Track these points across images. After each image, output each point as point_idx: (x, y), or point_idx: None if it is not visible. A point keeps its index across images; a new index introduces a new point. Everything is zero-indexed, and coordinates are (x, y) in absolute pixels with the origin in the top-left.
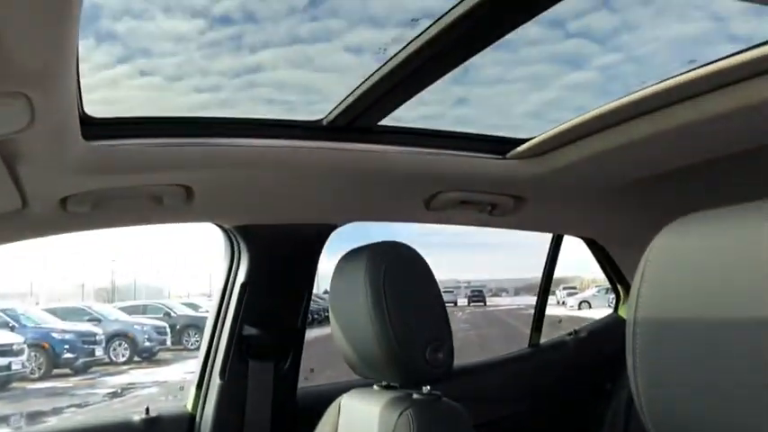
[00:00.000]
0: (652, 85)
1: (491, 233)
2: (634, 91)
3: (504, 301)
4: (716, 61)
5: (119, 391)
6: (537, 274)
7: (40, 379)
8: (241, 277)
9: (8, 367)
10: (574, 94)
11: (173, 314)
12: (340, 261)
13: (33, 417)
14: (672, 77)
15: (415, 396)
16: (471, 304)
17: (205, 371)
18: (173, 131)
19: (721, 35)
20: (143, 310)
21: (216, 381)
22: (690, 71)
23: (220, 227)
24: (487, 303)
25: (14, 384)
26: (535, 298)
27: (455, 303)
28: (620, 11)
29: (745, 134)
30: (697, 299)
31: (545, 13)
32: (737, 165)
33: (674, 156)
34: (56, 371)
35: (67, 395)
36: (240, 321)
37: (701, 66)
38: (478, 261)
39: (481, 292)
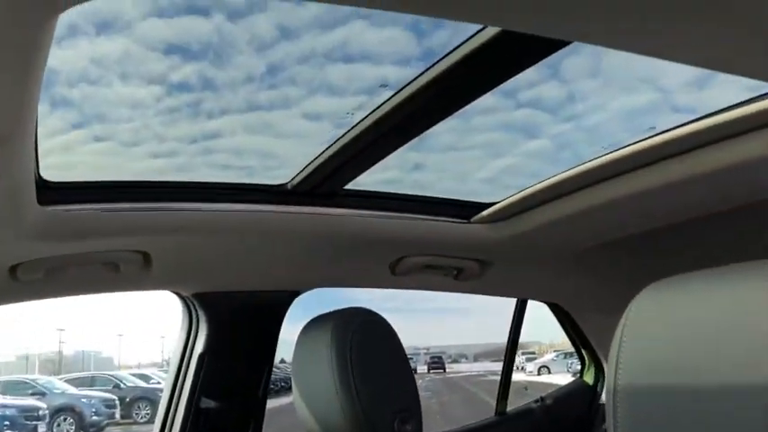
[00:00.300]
0: (610, 153)
1: (450, 298)
2: (593, 158)
3: (464, 368)
4: (671, 130)
5: None
6: (495, 339)
7: None
8: (199, 347)
9: None
10: (529, 161)
11: (122, 386)
12: (304, 328)
13: None
14: (628, 145)
15: None
16: (431, 371)
17: None
18: (130, 196)
19: (667, 106)
20: (91, 382)
21: None
22: (646, 139)
23: (178, 294)
24: (447, 370)
25: None
26: (494, 364)
27: (415, 370)
28: (570, 81)
29: (702, 200)
30: (682, 367)
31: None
32: (699, 230)
33: (635, 221)
34: None
35: None
36: (198, 393)
37: (657, 134)
38: (438, 327)
39: (441, 358)
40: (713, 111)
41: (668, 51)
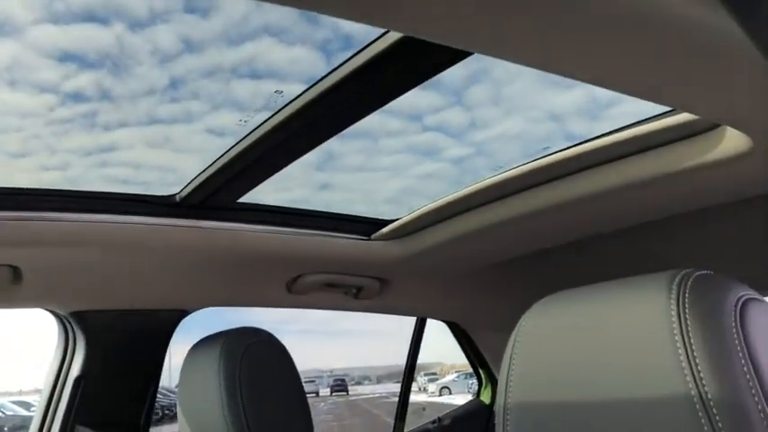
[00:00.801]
0: (505, 172)
1: (353, 320)
2: (488, 177)
3: (367, 389)
4: (562, 150)
5: None
6: (399, 361)
7: None
8: (75, 370)
9: None
10: (430, 182)
11: (1, 414)
12: (191, 350)
13: None
14: (522, 165)
15: None
16: (334, 394)
17: None
18: None
19: (562, 133)
20: None
21: None
22: (538, 159)
23: (53, 313)
24: (350, 392)
25: None
26: (397, 385)
27: (317, 394)
28: (473, 108)
29: (593, 219)
30: (568, 381)
31: (404, 107)
32: (592, 246)
33: (530, 239)
34: None
35: None
36: (72, 421)
37: (549, 154)
38: (341, 349)
39: (344, 381)
40: (603, 132)
41: (555, 65)
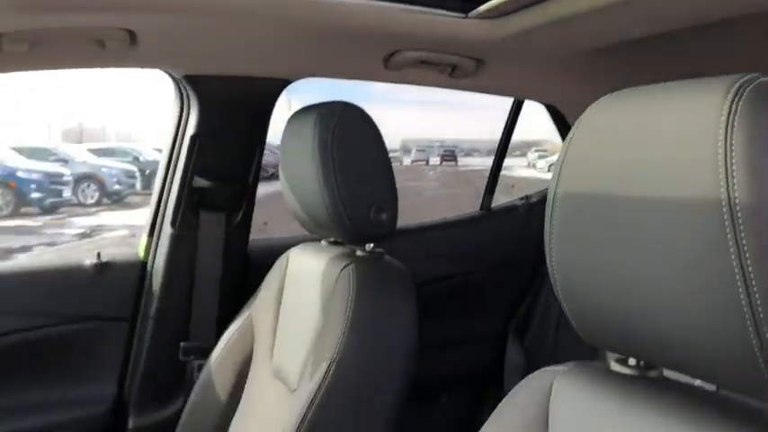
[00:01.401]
0: None
1: (467, 94)
2: None
3: (476, 161)
4: None
5: (88, 231)
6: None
7: (8, 217)
8: (191, 129)
9: None
10: None
11: (141, 159)
12: (290, 119)
13: (1, 253)
14: None
15: (358, 253)
16: (443, 163)
17: (156, 219)
18: None
19: None
20: (111, 153)
21: (167, 230)
22: None
23: (169, 74)
24: (459, 163)
25: None
26: (507, 160)
27: (427, 162)
28: None
29: (701, 6)
30: (617, 179)
31: None
32: (693, 40)
33: (635, 25)
34: (24, 209)
35: (36, 234)
36: (191, 173)
37: None
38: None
39: (453, 152)
40: None
41: None
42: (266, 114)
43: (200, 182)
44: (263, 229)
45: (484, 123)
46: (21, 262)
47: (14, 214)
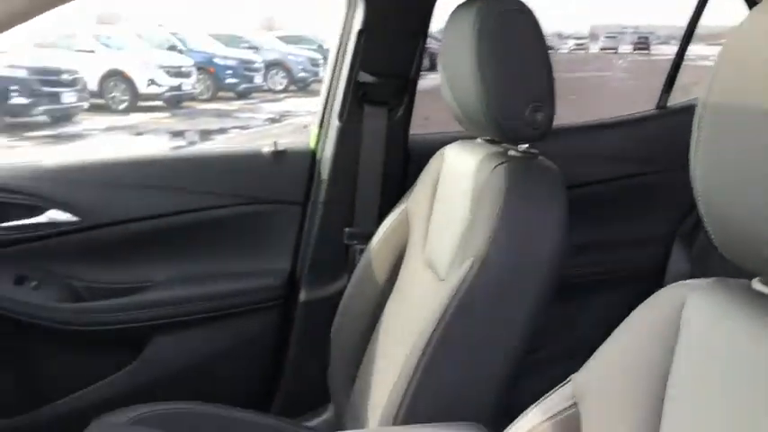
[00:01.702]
0: None
1: None
2: None
3: (673, 50)
4: None
5: (276, 117)
6: (714, 22)
7: (207, 100)
8: (357, 25)
9: (179, 87)
10: None
11: (326, 47)
12: (451, 14)
13: (203, 134)
14: None
15: (511, 152)
16: (635, 51)
17: (324, 112)
18: None
19: None
20: (298, 40)
21: (334, 122)
22: None
23: None
24: (653, 52)
25: (185, 104)
26: (707, 48)
27: (615, 50)
28: None
29: None
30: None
31: None
32: None
33: None
34: (220, 94)
35: (231, 117)
36: (357, 68)
37: None
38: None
39: (647, 39)
40: None
41: None
42: (430, 7)
43: (364, 77)
44: (423, 124)
45: (685, 9)
46: (204, 148)
47: (213, 98)
